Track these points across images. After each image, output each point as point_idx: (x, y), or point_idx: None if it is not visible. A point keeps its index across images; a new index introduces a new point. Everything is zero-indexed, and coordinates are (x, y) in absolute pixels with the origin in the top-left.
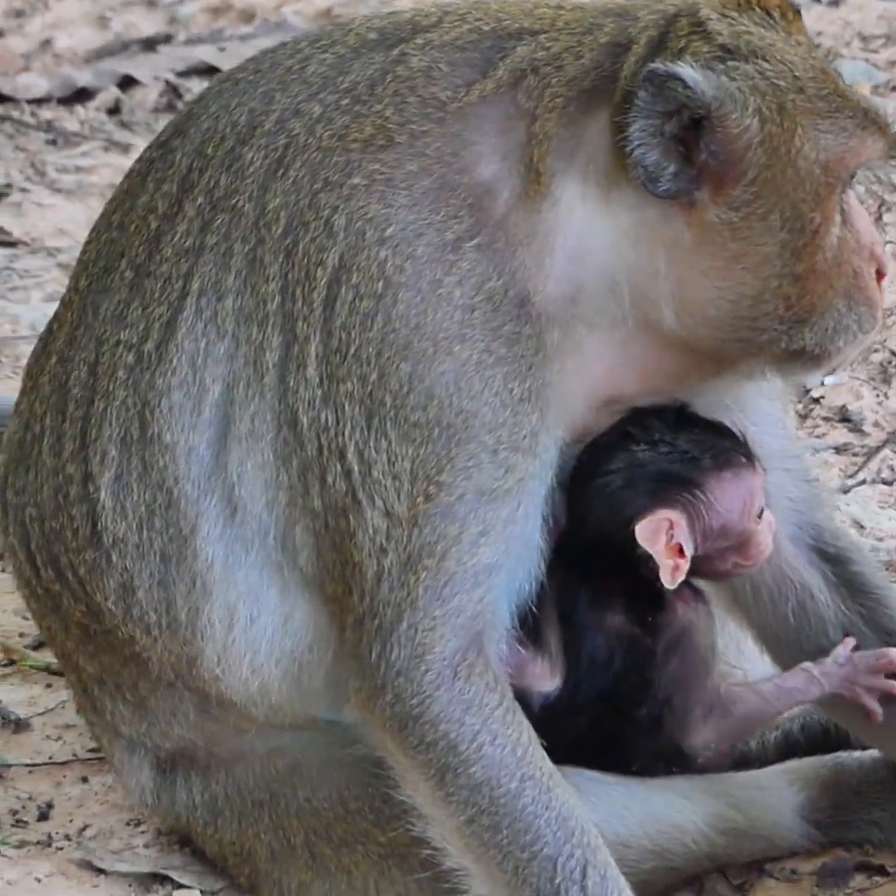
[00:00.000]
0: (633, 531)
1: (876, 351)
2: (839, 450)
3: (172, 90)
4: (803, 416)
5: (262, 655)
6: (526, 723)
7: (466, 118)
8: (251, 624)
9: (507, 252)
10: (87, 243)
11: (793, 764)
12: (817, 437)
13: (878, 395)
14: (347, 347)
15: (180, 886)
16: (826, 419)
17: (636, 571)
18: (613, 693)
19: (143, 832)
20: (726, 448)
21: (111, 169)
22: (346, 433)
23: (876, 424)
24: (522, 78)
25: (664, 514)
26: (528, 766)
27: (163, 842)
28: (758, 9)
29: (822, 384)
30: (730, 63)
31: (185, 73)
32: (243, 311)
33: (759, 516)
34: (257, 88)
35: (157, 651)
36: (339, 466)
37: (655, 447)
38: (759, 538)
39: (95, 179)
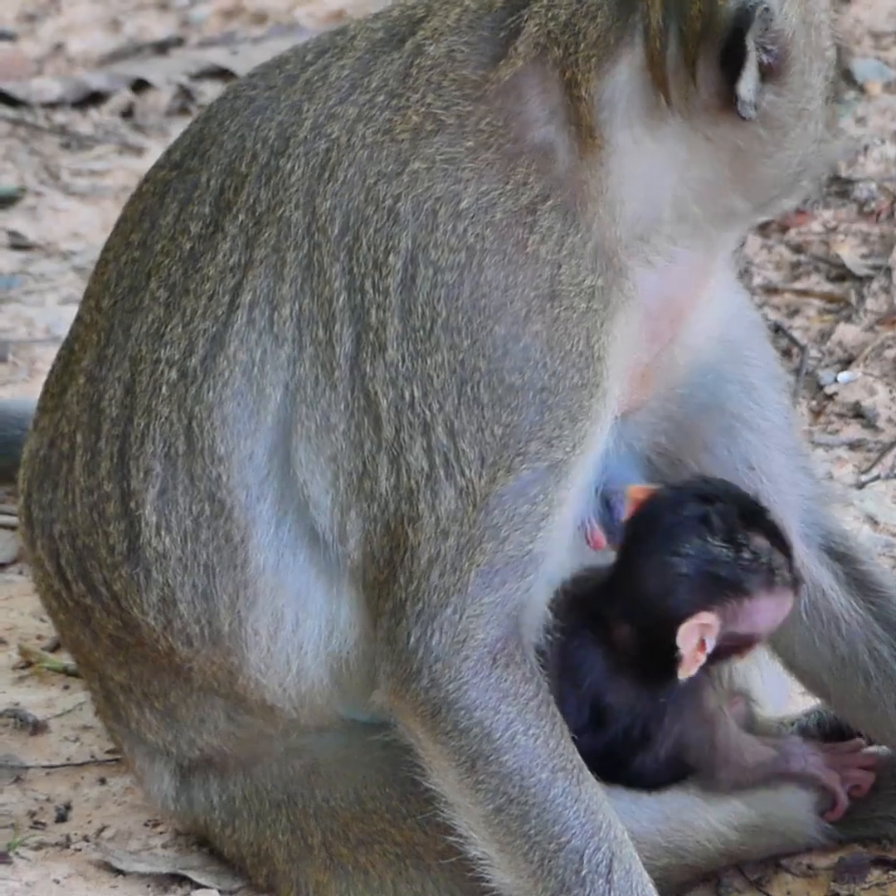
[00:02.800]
0: (674, 622)
1: (889, 347)
2: (853, 446)
3: (185, 93)
4: (817, 413)
5: (308, 658)
6: (559, 716)
7: (505, 92)
8: (297, 628)
9: (580, 207)
10: (104, 263)
11: None
12: (831, 433)
13: (891, 392)
14: (433, 320)
15: (198, 886)
16: (840, 415)
17: (656, 645)
18: (615, 745)
19: (161, 833)
20: (782, 564)
21: (125, 172)
22: (434, 407)
23: (890, 420)
24: (547, 50)
25: (707, 618)
26: (560, 758)
27: (181, 842)
28: None
29: (836, 381)
30: None
31: (198, 76)
32: (304, 315)
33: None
34: (280, 103)
35: (198, 662)
36: (422, 441)
37: (732, 545)
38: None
39: (109, 183)
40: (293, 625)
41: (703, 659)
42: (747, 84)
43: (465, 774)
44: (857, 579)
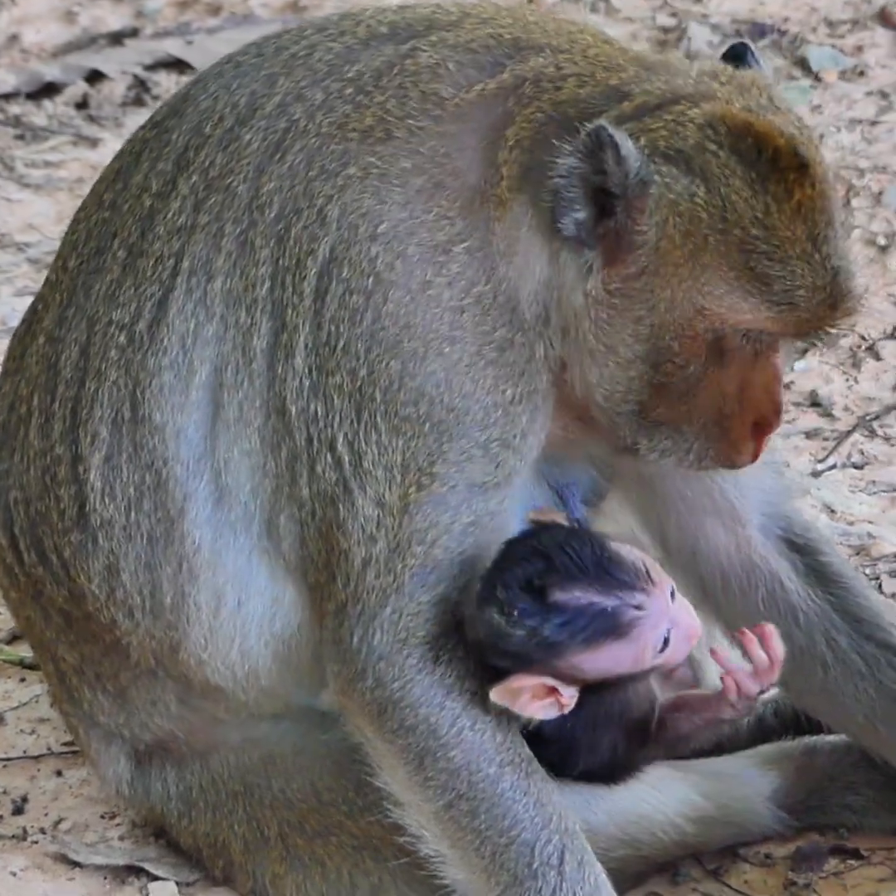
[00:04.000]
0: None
1: (845, 336)
2: (809, 434)
3: (140, 84)
4: None
5: (251, 638)
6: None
7: (463, 118)
8: (240, 607)
9: (495, 259)
10: (76, 223)
11: (765, 749)
12: (788, 422)
13: (847, 380)
14: (336, 341)
15: (155, 878)
16: (796, 404)
17: None
18: (558, 756)
19: (117, 825)
20: (601, 612)
21: (80, 163)
22: (335, 424)
23: (846, 409)
24: (522, 84)
25: (522, 681)
26: (508, 752)
27: (137, 834)
28: (760, 149)
29: (792, 370)
30: (669, 168)
31: (153, 67)
32: (232, 294)
33: (662, 650)
34: (260, 71)
35: (138, 635)
36: (329, 456)
37: (519, 624)
38: (667, 663)
39: (64, 174)
40: (235, 604)
41: (569, 696)
42: (567, 191)
43: (413, 772)
44: (817, 570)
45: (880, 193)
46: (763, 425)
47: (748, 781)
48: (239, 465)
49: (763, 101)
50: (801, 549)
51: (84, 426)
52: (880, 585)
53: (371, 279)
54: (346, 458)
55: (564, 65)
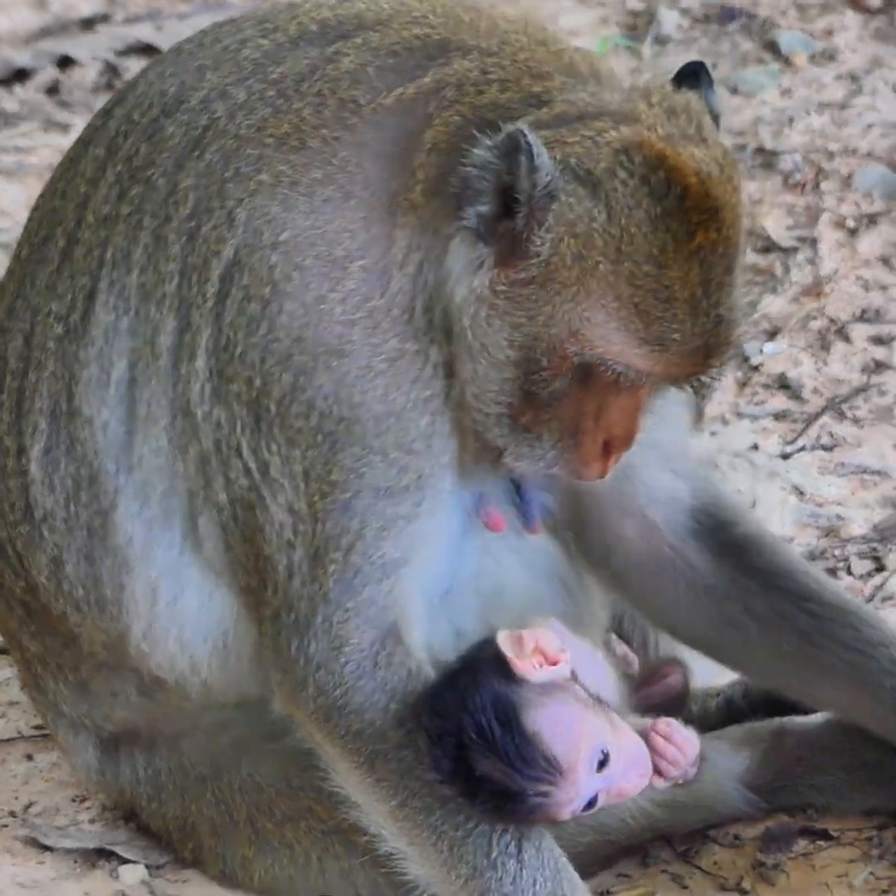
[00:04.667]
0: None
1: (814, 318)
2: (778, 417)
3: (111, 70)
4: (743, 384)
5: (188, 631)
6: None
7: (379, 126)
8: (175, 600)
9: (392, 273)
10: (32, 211)
11: (734, 731)
12: (757, 404)
13: (816, 363)
14: (234, 347)
15: (125, 861)
16: (765, 386)
17: None
18: None
19: (88, 808)
20: (509, 792)
21: (50, 149)
22: (238, 431)
23: (815, 391)
24: (443, 88)
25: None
26: None
27: (108, 817)
28: (670, 184)
29: (762, 352)
30: (576, 186)
31: (124, 53)
32: (145, 288)
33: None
34: (194, 61)
35: (87, 628)
36: (238, 463)
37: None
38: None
39: (35, 160)
40: (171, 596)
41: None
42: (476, 182)
43: (365, 774)
44: (728, 541)
45: (850, 176)
46: (613, 447)
47: (718, 763)
48: (151, 464)
49: (690, 130)
50: (713, 525)
51: (27, 417)
52: (849, 567)
53: (268, 288)
54: (253, 466)
55: (491, 69)
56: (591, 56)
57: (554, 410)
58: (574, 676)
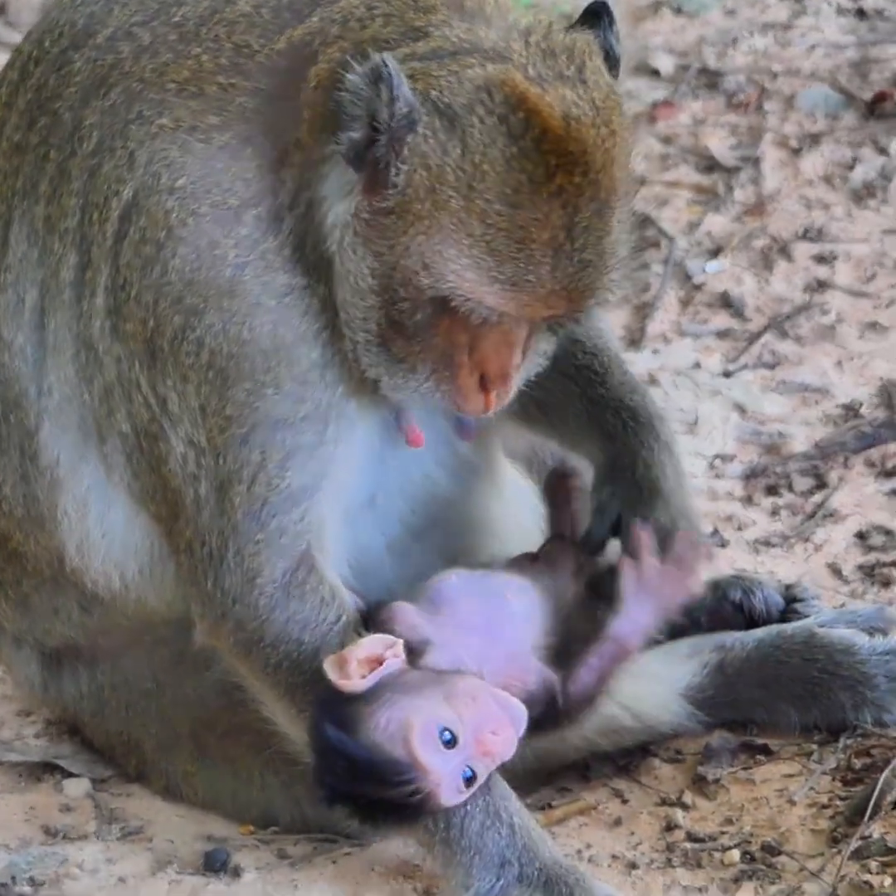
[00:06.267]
0: None
1: (757, 238)
2: (721, 335)
3: None
4: (685, 303)
5: (117, 548)
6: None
7: (271, 72)
8: (103, 516)
9: (284, 215)
10: None
11: (677, 645)
12: (699, 323)
13: (759, 281)
14: (130, 288)
15: (69, 775)
16: (708, 305)
17: None
18: None
19: (32, 723)
20: (385, 801)
21: None
22: (136, 367)
23: (757, 310)
24: (329, 26)
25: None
26: None
27: (52, 732)
28: (528, 126)
29: (704, 271)
30: (435, 119)
31: None
32: (50, 220)
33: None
34: None
35: (30, 545)
36: (138, 396)
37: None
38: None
39: None
40: (99, 512)
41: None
42: (350, 107)
43: (288, 705)
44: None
45: (792, 97)
46: (489, 382)
47: (662, 676)
48: (62, 392)
49: (567, 71)
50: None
51: None
52: (791, 484)
53: (164, 232)
54: (152, 401)
55: (376, 4)
56: None
57: (423, 342)
58: (416, 652)
